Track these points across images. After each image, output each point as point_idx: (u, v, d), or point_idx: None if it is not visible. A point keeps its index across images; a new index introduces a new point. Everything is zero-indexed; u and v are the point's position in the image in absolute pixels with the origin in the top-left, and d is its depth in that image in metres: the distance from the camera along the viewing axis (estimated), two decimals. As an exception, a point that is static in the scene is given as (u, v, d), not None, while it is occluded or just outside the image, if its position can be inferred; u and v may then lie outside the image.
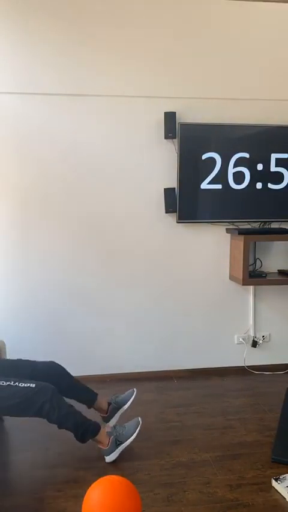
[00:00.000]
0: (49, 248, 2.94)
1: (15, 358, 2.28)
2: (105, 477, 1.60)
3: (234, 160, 2.97)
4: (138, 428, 2.11)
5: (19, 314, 2.95)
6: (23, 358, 2.30)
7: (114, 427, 2.12)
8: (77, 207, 2.94)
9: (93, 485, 1.56)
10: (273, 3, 2.96)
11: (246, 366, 3.20)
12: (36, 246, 2.93)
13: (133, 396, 2.32)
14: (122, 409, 2.30)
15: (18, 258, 2.92)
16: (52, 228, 2.94)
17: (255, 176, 3.01)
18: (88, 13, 2.81)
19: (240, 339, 3.21)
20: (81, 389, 2.27)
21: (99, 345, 3.05)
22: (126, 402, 2.30)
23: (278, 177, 3.04)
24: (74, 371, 2.32)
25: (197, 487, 1.89)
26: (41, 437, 2.32)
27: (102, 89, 2.87)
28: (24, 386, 1.94)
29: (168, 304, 3.12)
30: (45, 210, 2.92)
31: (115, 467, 2.04)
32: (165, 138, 2.92)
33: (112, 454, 2.05)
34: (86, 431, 2.02)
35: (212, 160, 2.95)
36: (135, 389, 2.36)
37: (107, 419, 2.27)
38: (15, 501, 1.84)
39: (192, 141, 2.92)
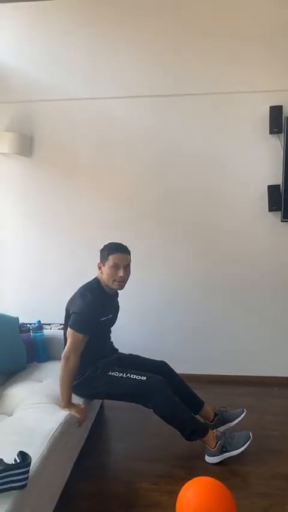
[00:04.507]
0: (148, 248, 2.99)
1: (127, 353, 2.37)
2: (202, 478, 1.58)
3: None
4: (248, 443, 2.06)
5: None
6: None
7: (224, 433, 2.10)
8: (178, 206, 2.97)
9: (189, 483, 1.55)
10: None
11: None
12: (137, 246, 2.98)
13: (241, 416, 2.27)
14: (227, 424, 2.26)
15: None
16: (154, 228, 3.00)
17: None
18: (187, 16, 2.81)
19: None
20: (190, 394, 2.28)
21: (193, 345, 3.03)
22: (234, 420, 2.27)
23: None
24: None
25: (298, 502, 1.78)
26: (138, 430, 2.38)
27: (207, 87, 2.84)
28: (136, 378, 2.06)
29: (271, 308, 2.97)
30: (150, 210, 2.99)
31: (210, 468, 2.01)
32: (270, 133, 2.79)
33: (215, 457, 2.05)
34: (194, 431, 2.05)
35: None
36: (245, 410, 2.30)
37: (211, 428, 2.23)
38: (111, 487, 1.91)
39: (300, 135, 2.75)
